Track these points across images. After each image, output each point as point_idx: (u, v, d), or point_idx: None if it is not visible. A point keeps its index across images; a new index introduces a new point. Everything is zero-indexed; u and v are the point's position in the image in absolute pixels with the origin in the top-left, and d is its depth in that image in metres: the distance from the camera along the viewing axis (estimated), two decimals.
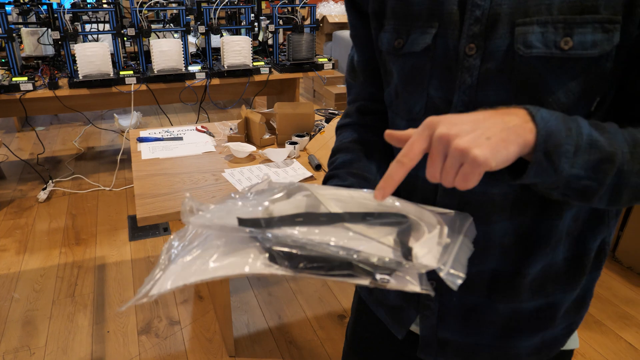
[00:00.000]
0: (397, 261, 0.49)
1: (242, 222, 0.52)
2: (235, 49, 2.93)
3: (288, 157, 1.71)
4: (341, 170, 0.74)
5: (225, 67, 2.95)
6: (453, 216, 0.59)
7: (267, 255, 0.50)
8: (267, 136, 1.85)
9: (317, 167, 1.64)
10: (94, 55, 2.65)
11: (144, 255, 2.48)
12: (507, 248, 0.65)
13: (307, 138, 1.81)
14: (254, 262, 0.49)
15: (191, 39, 3.38)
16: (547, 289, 0.68)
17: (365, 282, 0.48)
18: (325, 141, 1.73)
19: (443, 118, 0.49)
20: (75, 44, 2.66)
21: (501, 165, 0.47)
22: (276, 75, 3.12)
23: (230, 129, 1.93)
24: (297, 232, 0.53)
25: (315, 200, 0.60)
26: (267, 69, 3.05)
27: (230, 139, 1.85)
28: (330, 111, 2.16)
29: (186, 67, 2.93)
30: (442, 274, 0.48)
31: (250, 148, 1.73)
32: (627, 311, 2.15)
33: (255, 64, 3.05)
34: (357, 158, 0.75)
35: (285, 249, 0.49)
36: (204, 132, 1.99)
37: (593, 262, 0.69)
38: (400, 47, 0.66)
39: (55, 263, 2.41)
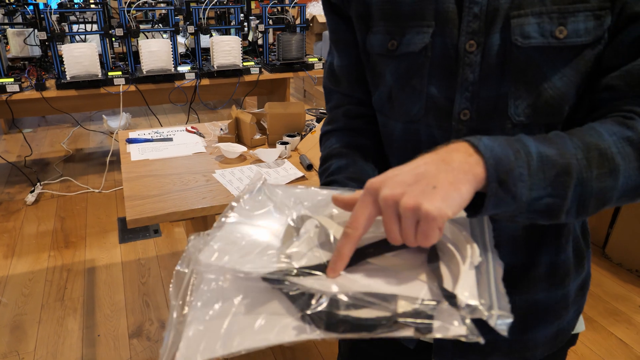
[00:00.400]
0: (440, 307, 0.45)
1: (268, 280, 0.48)
2: (225, 49, 2.92)
3: (279, 157, 1.71)
4: (339, 176, 0.72)
5: (215, 68, 2.93)
6: (471, 223, 0.56)
7: (300, 315, 0.45)
8: (257, 136, 1.84)
9: (309, 167, 1.64)
10: (81, 55, 2.63)
11: (134, 257, 2.46)
12: (519, 241, 0.66)
13: (298, 138, 1.80)
14: (289, 331, 0.44)
15: (180, 39, 3.36)
16: (560, 277, 0.70)
17: (409, 333, 0.43)
18: (316, 141, 1.72)
19: (383, 178, 0.47)
20: (63, 44, 2.62)
21: (457, 210, 0.45)
22: (266, 75, 3.10)
23: (221, 129, 1.92)
24: (324, 285, 0.48)
25: (326, 230, 0.56)
26: (257, 69, 3.04)
27: (221, 139, 1.83)
28: (321, 111, 2.15)
29: (175, 67, 2.91)
30: (491, 323, 0.43)
31: (241, 148, 1.72)
32: (618, 307, 2.17)
33: (245, 64, 3.03)
34: (352, 162, 0.74)
35: (324, 310, 0.44)
36: (194, 132, 1.97)
37: (583, 243, 0.72)
38: (395, 49, 0.65)
39: (44, 266, 2.38)
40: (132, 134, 1.95)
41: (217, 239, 0.53)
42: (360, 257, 0.53)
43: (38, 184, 3.14)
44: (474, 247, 0.50)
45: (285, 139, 1.79)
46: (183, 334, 0.45)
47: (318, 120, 1.99)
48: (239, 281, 0.49)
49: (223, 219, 0.57)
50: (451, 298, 0.45)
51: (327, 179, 0.73)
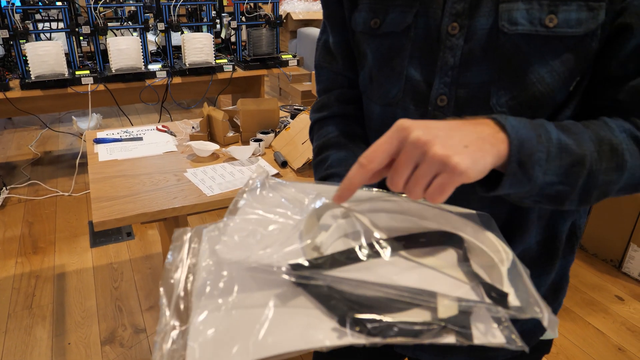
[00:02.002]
0: (481, 309, 0.42)
1: (296, 276, 0.43)
2: (197, 47, 2.85)
3: (253, 154, 1.66)
4: (341, 169, 0.68)
5: (187, 65, 2.86)
6: (479, 219, 0.55)
7: (337, 318, 0.41)
8: (230, 134, 1.79)
9: (283, 164, 1.60)
10: (46, 54, 2.53)
11: (106, 262, 2.38)
12: None
13: (272, 135, 1.76)
14: (328, 334, 0.39)
15: (150, 36, 3.28)
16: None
17: (451, 340, 0.40)
18: (290, 137, 1.69)
19: (416, 122, 0.45)
20: (27, 42, 2.53)
21: (478, 177, 0.44)
22: (240, 72, 3.05)
23: (193, 127, 1.87)
24: (359, 279, 0.43)
25: (353, 220, 0.52)
26: (231, 66, 2.98)
27: (193, 137, 1.78)
28: (296, 107, 2.11)
29: (146, 65, 2.84)
30: (545, 323, 0.41)
31: (213, 146, 1.67)
32: (594, 297, 2.19)
33: (218, 61, 2.97)
34: (352, 154, 0.70)
35: (367, 316, 0.40)
36: (165, 131, 1.91)
37: (565, 246, 0.68)
38: (377, 27, 0.63)
39: (11, 274, 2.28)
40: (100, 134, 1.88)
41: (232, 231, 0.49)
42: (395, 248, 0.49)
43: (4, 188, 3.02)
44: (506, 249, 0.49)
45: (259, 136, 1.75)
46: (189, 340, 0.39)
47: (292, 117, 1.95)
48: (263, 278, 0.44)
49: (232, 214, 0.52)
50: (501, 297, 0.43)
51: (327, 172, 0.69)
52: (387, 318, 0.41)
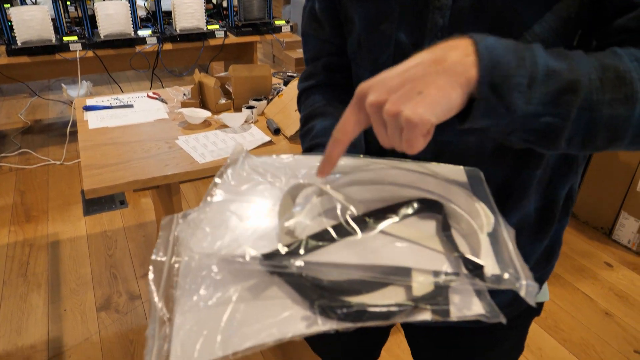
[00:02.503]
0: (458, 282, 0.41)
1: (269, 264, 0.42)
2: (188, 12, 2.78)
3: (245, 122, 1.64)
4: (324, 139, 0.67)
5: (178, 31, 2.80)
6: (467, 176, 0.53)
7: (308, 305, 0.40)
8: (222, 101, 1.76)
9: (276, 132, 1.59)
10: (32, 19, 2.46)
11: (100, 230, 2.39)
12: None
13: (264, 102, 1.74)
14: (298, 323, 0.39)
15: (140, 1, 3.19)
16: (520, 240, 0.66)
17: (426, 317, 0.39)
18: (284, 104, 1.67)
19: (371, 82, 0.44)
20: (12, 7, 2.45)
21: (446, 117, 0.41)
22: (232, 39, 2.99)
23: (184, 94, 1.84)
24: (333, 257, 0.43)
25: (328, 198, 0.51)
26: (223, 32, 2.92)
27: (184, 104, 1.76)
28: (289, 74, 2.08)
29: (135, 31, 2.77)
30: (522, 293, 0.39)
31: (205, 114, 1.65)
32: (584, 264, 2.23)
33: (209, 27, 2.91)
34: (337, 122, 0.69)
35: (335, 298, 0.40)
36: (155, 98, 1.88)
37: (562, 210, 0.68)
38: None
39: (5, 242, 2.28)
40: (90, 101, 1.85)
41: (206, 220, 0.48)
42: (369, 225, 0.48)
43: None
44: (487, 213, 0.47)
45: (252, 103, 1.72)
46: (173, 333, 0.39)
47: (285, 83, 1.92)
48: (236, 269, 0.43)
49: (208, 199, 0.51)
50: (475, 269, 0.41)
51: (312, 142, 0.68)
52: (358, 301, 0.40)
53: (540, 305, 0.77)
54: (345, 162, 0.55)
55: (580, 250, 2.31)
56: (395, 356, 1.74)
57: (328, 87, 0.75)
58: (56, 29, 2.64)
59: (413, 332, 0.85)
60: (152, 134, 1.59)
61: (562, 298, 2.03)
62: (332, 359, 1.02)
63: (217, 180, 0.54)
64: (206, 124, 1.65)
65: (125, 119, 1.71)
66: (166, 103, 1.84)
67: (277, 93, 1.76)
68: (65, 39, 2.62)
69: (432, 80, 0.41)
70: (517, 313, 0.73)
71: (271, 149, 1.51)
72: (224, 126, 1.63)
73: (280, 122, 1.62)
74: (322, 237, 0.45)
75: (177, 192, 1.53)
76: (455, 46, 0.43)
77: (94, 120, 1.69)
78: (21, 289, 2.01)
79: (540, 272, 0.72)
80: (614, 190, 2.33)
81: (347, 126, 0.46)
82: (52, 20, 2.57)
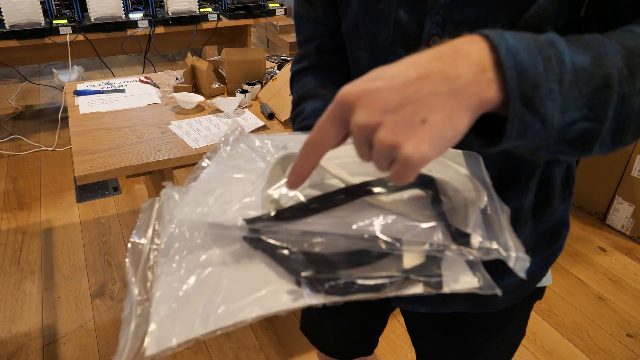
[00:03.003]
0: (450, 254, 0.39)
1: (251, 222, 0.40)
2: None
3: (239, 106, 1.62)
4: (314, 120, 0.63)
5: (170, 14, 2.75)
6: (464, 159, 0.51)
7: (294, 278, 0.38)
8: (216, 85, 1.74)
9: (270, 116, 1.56)
10: (20, 2, 2.41)
11: (93, 216, 2.37)
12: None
13: (258, 86, 1.71)
14: (284, 297, 0.37)
15: None
16: (521, 222, 0.65)
17: (418, 290, 0.38)
18: (277, 89, 1.64)
19: (359, 91, 0.36)
20: None
21: (447, 148, 0.35)
22: (225, 22, 2.94)
23: (176, 78, 1.81)
24: (320, 229, 0.41)
25: (318, 168, 0.48)
26: (216, 15, 2.87)
27: (177, 89, 1.73)
28: (283, 57, 2.05)
29: (126, 14, 2.72)
30: (510, 264, 0.38)
31: (198, 98, 1.62)
32: (577, 249, 2.24)
33: (202, 10, 2.86)
34: (328, 104, 0.66)
35: (323, 275, 0.37)
36: (148, 83, 1.85)
37: (563, 190, 0.67)
38: None
39: None
40: (81, 86, 1.82)
41: (192, 190, 0.45)
42: (357, 193, 0.46)
43: None
44: (479, 188, 0.45)
45: (245, 87, 1.70)
46: (151, 313, 0.37)
47: (279, 67, 1.90)
48: (219, 237, 0.41)
49: (198, 171, 0.49)
50: (464, 238, 0.39)
51: (302, 124, 0.66)
52: (346, 273, 0.38)
53: (542, 289, 0.76)
54: None
55: (574, 235, 2.32)
56: (390, 341, 1.74)
57: (320, 68, 0.73)
58: (45, 12, 2.59)
59: (414, 319, 0.84)
60: (144, 119, 1.57)
61: (556, 283, 2.04)
62: (329, 350, 1.01)
63: (209, 154, 0.52)
64: (199, 109, 1.63)
65: (117, 103, 1.68)
66: (158, 87, 1.82)
67: (271, 77, 1.74)
68: (55, 22, 2.57)
69: (439, 103, 0.34)
70: (522, 298, 0.73)
71: (265, 133, 1.49)
72: (217, 111, 1.61)
73: (275, 106, 1.60)
74: (307, 206, 0.43)
75: (170, 177, 1.52)
76: (468, 54, 0.35)
77: (84, 105, 1.67)
78: (15, 276, 1.99)
79: (545, 254, 0.70)
80: (609, 175, 2.33)
81: (323, 139, 0.38)
82: (41, 3, 2.51)
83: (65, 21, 2.59)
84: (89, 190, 2.56)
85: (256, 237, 0.40)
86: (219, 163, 0.51)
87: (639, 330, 1.82)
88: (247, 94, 1.64)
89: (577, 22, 0.51)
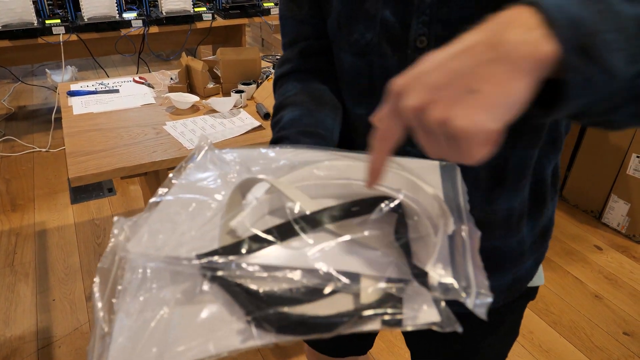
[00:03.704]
0: (410, 289, 0.38)
1: (204, 256, 0.39)
2: None
3: (234, 106, 1.61)
4: (291, 131, 0.63)
5: (164, 14, 2.74)
6: (440, 172, 0.49)
7: (245, 317, 0.37)
8: (211, 85, 1.73)
9: (266, 116, 1.56)
10: (13, 1, 2.39)
11: (88, 218, 2.35)
12: (480, 182, 0.61)
13: (254, 86, 1.70)
14: (233, 337, 0.36)
15: None
16: (517, 222, 0.65)
17: (375, 327, 0.36)
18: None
19: (407, 78, 0.35)
20: None
21: (510, 117, 0.33)
22: (220, 21, 2.93)
23: (171, 78, 1.79)
24: (275, 259, 0.40)
25: (279, 194, 0.47)
26: (210, 14, 2.86)
27: (171, 89, 1.71)
28: (278, 57, 2.04)
29: (120, 14, 2.70)
30: (469, 305, 0.36)
31: (192, 98, 1.61)
32: (574, 247, 2.24)
33: (196, 9, 2.85)
34: (307, 113, 0.64)
35: (271, 311, 0.36)
36: (142, 83, 1.84)
37: (551, 189, 0.67)
38: None
39: None
40: (74, 86, 1.80)
41: (151, 219, 0.44)
42: (317, 223, 0.45)
43: None
44: (446, 213, 0.43)
45: (241, 87, 1.69)
46: (110, 345, 0.36)
47: (275, 67, 1.89)
48: (173, 272, 0.40)
49: (159, 196, 0.48)
50: (422, 276, 0.38)
51: (278, 134, 0.64)
52: (299, 312, 0.37)
53: (535, 289, 0.76)
54: (309, 155, 0.52)
55: (571, 234, 2.32)
56: (387, 341, 1.74)
57: (301, 73, 0.71)
58: (38, 12, 2.57)
59: None
60: (139, 119, 1.55)
61: (552, 281, 2.04)
62: (322, 346, 1.00)
63: (171, 175, 0.50)
64: (194, 109, 1.62)
65: (111, 104, 1.67)
66: (153, 88, 1.80)
67: (267, 77, 1.73)
68: (48, 22, 2.55)
69: (488, 72, 0.32)
70: (514, 298, 0.72)
71: (261, 133, 1.48)
72: (212, 111, 1.60)
73: (270, 106, 1.59)
74: (264, 239, 0.42)
75: (164, 178, 1.50)
76: (511, 20, 0.33)
77: (78, 105, 1.65)
78: (8, 279, 1.97)
79: (537, 253, 0.71)
80: (604, 173, 2.33)
81: (387, 133, 0.38)
82: (34, 2, 2.49)
83: (58, 21, 2.57)
84: (83, 191, 2.54)
85: (210, 273, 0.39)
86: (182, 185, 0.49)
87: (635, 328, 1.82)
88: (242, 94, 1.63)
89: None
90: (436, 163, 0.51)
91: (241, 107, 1.63)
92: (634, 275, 2.08)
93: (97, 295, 0.39)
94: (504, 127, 0.33)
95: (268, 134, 1.50)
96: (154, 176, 1.49)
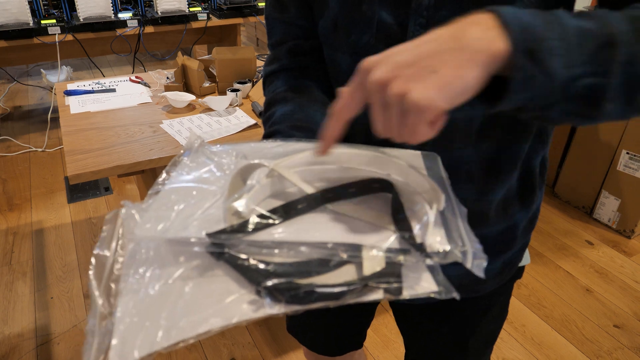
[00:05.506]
0: (409, 260, 0.41)
1: (213, 247, 0.41)
2: None
3: (230, 105, 1.63)
4: (282, 125, 0.65)
5: (159, 14, 2.75)
6: (423, 159, 0.52)
7: (254, 288, 0.39)
8: (206, 84, 1.75)
9: (261, 114, 1.57)
10: (8, 1, 2.40)
11: (84, 217, 2.36)
12: (473, 175, 0.63)
13: (249, 85, 1.73)
14: (244, 308, 0.37)
15: None
16: (509, 211, 0.68)
17: (378, 296, 0.39)
18: None
19: (380, 57, 0.40)
20: None
21: (458, 101, 0.38)
22: (215, 21, 2.95)
23: (167, 77, 1.81)
24: (280, 237, 0.42)
25: (279, 178, 0.50)
26: (205, 14, 2.87)
27: (168, 88, 1.73)
28: None
29: (115, 14, 2.71)
30: (467, 265, 0.40)
31: (189, 97, 1.63)
32: (565, 242, 2.27)
33: (191, 9, 2.86)
34: (298, 108, 0.66)
35: (282, 280, 0.38)
36: (138, 82, 1.86)
37: (539, 179, 0.70)
38: None
39: None
40: (71, 86, 1.82)
41: (153, 206, 0.46)
42: (318, 202, 0.47)
43: None
44: (437, 192, 0.46)
45: (236, 85, 1.71)
46: (114, 328, 0.37)
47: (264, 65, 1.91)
48: (179, 253, 0.42)
49: (158, 186, 0.49)
50: (422, 244, 0.41)
51: (270, 129, 0.66)
52: (307, 282, 0.39)
53: (522, 269, 0.79)
54: (300, 145, 0.54)
55: (562, 229, 2.35)
56: (382, 335, 1.76)
57: (291, 71, 0.72)
58: (33, 12, 2.57)
59: (402, 311, 0.86)
60: (135, 118, 1.57)
61: (544, 276, 2.07)
62: (319, 347, 1.02)
63: (168, 168, 0.52)
64: (190, 108, 1.64)
65: (108, 103, 1.68)
66: (149, 87, 1.82)
67: (262, 76, 1.75)
68: (43, 22, 2.56)
69: (449, 57, 0.37)
70: (504, 281, 0.76)
71: (256, 131, 1.51)
72: (208, 110, 1.62)
73: None
74: (269, 217, 0.45)
75: None
76: (475, 21, 0.39)
77: (75, 105, 1.67)
78: (6, 277, 1.99)
79: (525, 238, 0.74)
80: (595, 169, 2.37)
81: (347, 104, 0.42)
82: (29, 2, 2.50)
83: (54, 21, 2.58)
84: (80, 190, 2.56)
85: (219, 250, 0.41)
86: (179, 176, 0.51)
87: (625, 321, 1.86)
88: (238, 93, 1.65)
89: None
90: (418, 153, 0.54)
91: (237, 105, 1.65)
92: (624, 269, 2.12)
93: (93, 283, 0.40)
94: (449, 108, 0.38)
95: (263, 131, 1.52)
96: (151, 174, 1.51)
